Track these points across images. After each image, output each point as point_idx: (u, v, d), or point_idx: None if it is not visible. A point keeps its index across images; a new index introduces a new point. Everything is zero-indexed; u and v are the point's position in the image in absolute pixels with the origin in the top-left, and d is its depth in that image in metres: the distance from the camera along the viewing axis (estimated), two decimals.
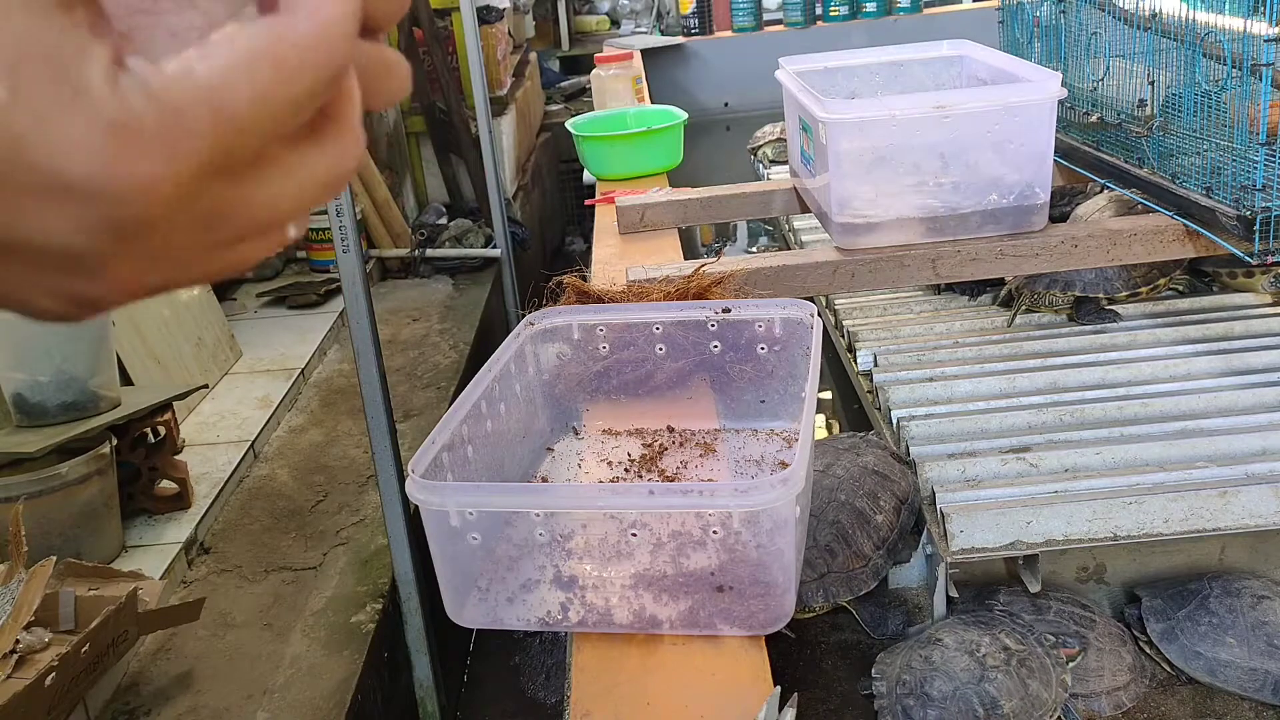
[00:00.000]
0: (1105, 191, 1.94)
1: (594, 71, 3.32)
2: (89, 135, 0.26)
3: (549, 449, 1.37)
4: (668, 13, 6.68)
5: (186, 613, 2.09)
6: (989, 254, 1.60)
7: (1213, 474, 1.48)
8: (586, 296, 1.42)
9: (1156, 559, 1.55)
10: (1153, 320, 1.99)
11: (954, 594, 1.50)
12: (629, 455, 1.32)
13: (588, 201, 2.53)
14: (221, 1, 0.29)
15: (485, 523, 1.01)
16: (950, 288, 2.21)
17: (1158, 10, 1.62)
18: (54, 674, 1.71)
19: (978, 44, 1.93)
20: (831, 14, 6.24)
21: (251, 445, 2.92)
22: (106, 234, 0.27)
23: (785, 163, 3.36)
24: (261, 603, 2.32)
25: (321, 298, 3.95)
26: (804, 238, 2.76)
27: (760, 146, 3.61)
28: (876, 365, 1.96)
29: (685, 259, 1.83)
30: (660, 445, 1.34)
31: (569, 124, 2.68)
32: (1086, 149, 1.91)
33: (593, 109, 3.18)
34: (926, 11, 6.30)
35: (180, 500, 2.57)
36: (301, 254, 4.25)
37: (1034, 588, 1.48)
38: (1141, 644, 1.46)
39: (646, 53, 5.70)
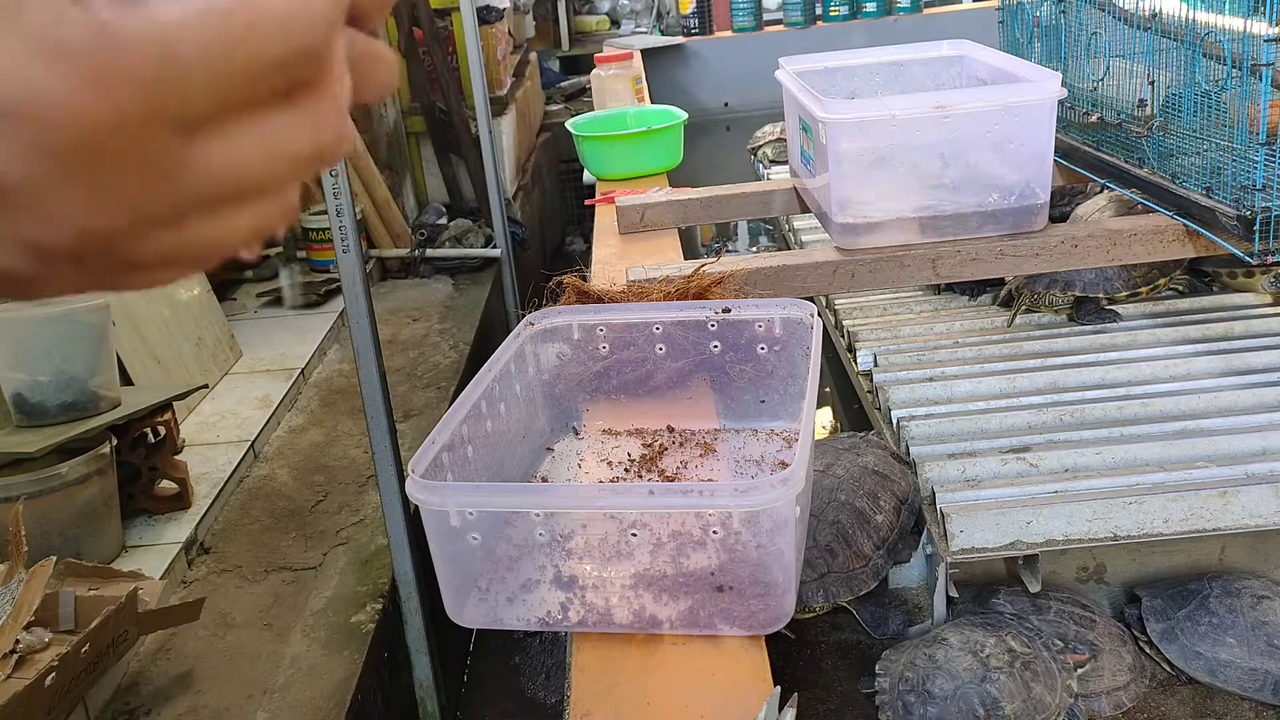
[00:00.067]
0: (1105, 191, 1.94)
1: (594, 71, 3.32)
2: (21, 57, 0.26)
3: (549, 449, 1.37)
4: (668, 13, 6.68)
5: (186, 613, 2.09)
6: (989, 254, 1.60)
7: (1213, 474, 1.48)
8: (586, 296, 1.42)
9: (1156, 559, 1.55)
10: (1153, 320, 1.99)
11: (954, 594, 1.50)
12: (629, 455, 1.32)
13: (588, 201, 2.53)
14: None
15: (485, 523, 1.01)
16: (950, 288, 2.21)
17: (1158, 10, 1.62)
18: (54, 674, 1.71)
19: (978, 44, 1.93)
20: (831, 14, 6.25)
21: (251, 445, 2.92)
22: (38, 160, 0.27)
23: (785, 163, 3.36)
24: (261, 603, 2.32)
25: (321, 298, 3.95)
26: (804, 238, 2.76)
27: (760, 146, 3.61)
28: (876, 365, 1.96)
29: (685, 259, 1.83)
30: (660, 445, 1.34)
31: (569, 124, 2.68)
32: (1086, 149, 1.91)
33: (593, 109, 3.18)
34: (926, 11, 6.31)
35: (180, 500, 2.57)
36: (301, 254, 4.26)
37: (1034, 588, 1.48)
38: (1141, 644, 1.46)
39: (646, 53, 5.71)
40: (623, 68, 3.26)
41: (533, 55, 5.87)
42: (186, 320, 3.27)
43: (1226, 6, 1.47)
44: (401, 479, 1.87)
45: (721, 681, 0.96)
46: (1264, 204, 1.44)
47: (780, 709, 0.91)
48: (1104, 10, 1.78)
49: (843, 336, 2.15)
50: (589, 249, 2.24)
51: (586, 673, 0.99)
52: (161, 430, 2.55)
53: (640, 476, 1.27)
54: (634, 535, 0.99)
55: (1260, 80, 1.42)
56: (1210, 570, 1.54)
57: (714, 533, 0.97)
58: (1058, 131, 1.61)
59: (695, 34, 6.35)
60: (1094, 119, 1.84)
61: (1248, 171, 1.45)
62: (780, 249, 3.30)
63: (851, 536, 1.46)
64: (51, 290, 0.31)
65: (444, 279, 4.32)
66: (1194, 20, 1.55)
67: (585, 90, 6.10)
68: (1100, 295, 1.98)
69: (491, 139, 4.00)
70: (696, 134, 3.35)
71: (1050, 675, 1.34)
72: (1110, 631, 1.46)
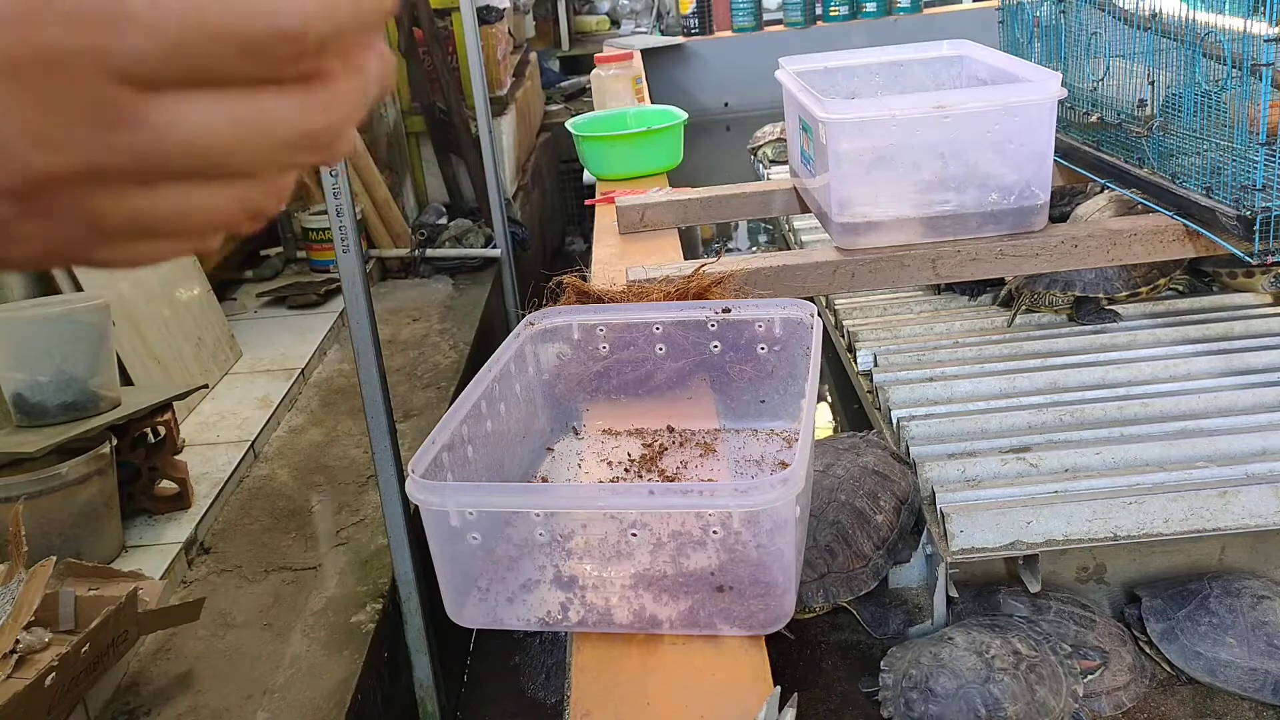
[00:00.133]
0: (1105, 191, 1.94)
1: (594, 71, 3.32)
2: None
3: (549, 449, 1.37)
4: (668, 13, 6.68)
5: (186, 613, 2.09)
6: (989, 254, 1.60)
7: (1213, 474, 1.48)
8: (586, 296, 1.42)
9: (1156, 559, 1.55)
10: (1153, 320, 1.99)
11: (954, 594, 1.50)
12: (629, 455, 1.32)
13: (588, 201, 2.53)
14: None
15: (485, 523, 1.01)
16: (950, 288, 2.21)
17: (1158, 10, 1.62)
18: (54, 674, 1.71)
19: (978, 44, 1.93)
20: (831, 14, 6.25)
21: (251, 445, 2.92)
22: None
23: (785, 163, 3.36)
24: (261, 603, 2.32)
25: (321, 298, 3.95)
26: (804, 238, 2.76)
27: (760, 146, 3.61)
28: (876, 365, 1.96)
29: (685, 259, 1.83)
30: (660, 445, 1.34)
31: (569, 124, 2.68)
32: (1086, 149, 1.91)
33: (593, 109, 3.18)
34: (926, 11, 6.31)
35: (180, 500, 2.57)
36: (301, 254, 4.26)
37: (1034, 588, 1.48)
38: (1141, 644, 1.46)
39: (646, 53, 5.71)
40: (623, 68, 3.26)
41: (533, 55, 5.87)
42: (186, 320, 3.27)
43: (1226, 6, 1.47)
44: (401, 479, 1.87)
45: (721, 681, 0.96)
46: (1264, 204, 1.44)
47: (780, 709, 0.91)
48: (1104, 10, 1.78)
49: (843, 336, 2.15)
50: (589, 249, 2.24)
51: (586, 673, 0.99)
52: (161, 430, 2.55)
53: (640, 476, 1.27)
54: (634, 535, 0.99)
55: (1260, 80, 1.42)
56: (1210, 570, 1.54)
57: (714, 533, 0.97)
58: (1058, 131, 1.61)
59: (695, 34, 6.35)
60: (1094, 119, 1.84)
61: (1248, 171, 1.45)
62: (780, 249, 3.30)
63: (851, 536, 1.46)
64: (20, 247, 0.31)
65: (444, 279, 4.32)
66: (1194, 20, 1.55)
67: (585, 90, 6.11)
68: (1100, 295, 1.98)
69: (491, 139, 4.00)
70: (696, 134, 3.35)
71: (1056, 679, 1.33)
72: (1110, 631, 1.46)
